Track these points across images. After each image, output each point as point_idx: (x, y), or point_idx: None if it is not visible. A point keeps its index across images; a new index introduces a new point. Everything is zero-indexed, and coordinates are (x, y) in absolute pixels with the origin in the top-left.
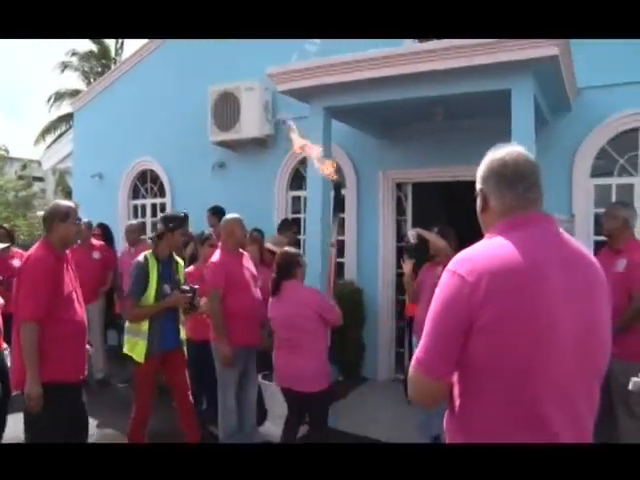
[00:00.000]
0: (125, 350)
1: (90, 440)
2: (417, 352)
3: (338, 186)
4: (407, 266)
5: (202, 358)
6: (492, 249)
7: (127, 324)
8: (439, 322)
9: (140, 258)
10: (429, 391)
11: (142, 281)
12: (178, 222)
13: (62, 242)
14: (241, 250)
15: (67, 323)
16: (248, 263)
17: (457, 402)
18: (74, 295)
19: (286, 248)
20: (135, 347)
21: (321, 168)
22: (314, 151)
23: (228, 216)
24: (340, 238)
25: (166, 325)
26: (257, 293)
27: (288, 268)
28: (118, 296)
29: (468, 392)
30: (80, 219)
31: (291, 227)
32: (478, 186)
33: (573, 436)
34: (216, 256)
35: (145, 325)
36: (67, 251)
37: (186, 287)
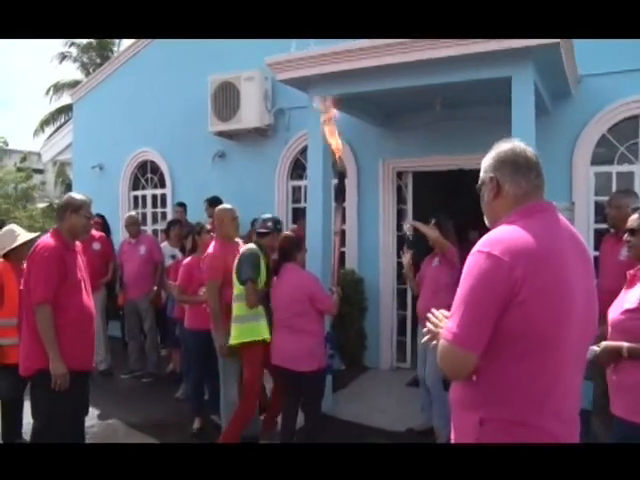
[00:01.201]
0: (240, 339)
1: (91, 431)
2: (451, 327)
3: (341, 175)
4: (406, 257)
5: (203, 347)
6: (521, 232)
7: (238, 313)
8: (477, 298)
9: (253, 247)
10: (465, 363)
11: (258, 268)
12: (281, 226)
13: (71, 232)
14: (237, 240)
15: (74, 311)
16: None
17: (482, 371)
18: (82, 284)
19: (287, 232)
20: (258, 329)
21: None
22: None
23: (219, 207)
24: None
25: None
26: None
27: (289, 251)
28: (120, 287)
29: (497, 362)
30: (92, 214)
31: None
32: (489, 174)
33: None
34: (212, 247)
35: (259, 307)
36: (77, 242)
37: None
